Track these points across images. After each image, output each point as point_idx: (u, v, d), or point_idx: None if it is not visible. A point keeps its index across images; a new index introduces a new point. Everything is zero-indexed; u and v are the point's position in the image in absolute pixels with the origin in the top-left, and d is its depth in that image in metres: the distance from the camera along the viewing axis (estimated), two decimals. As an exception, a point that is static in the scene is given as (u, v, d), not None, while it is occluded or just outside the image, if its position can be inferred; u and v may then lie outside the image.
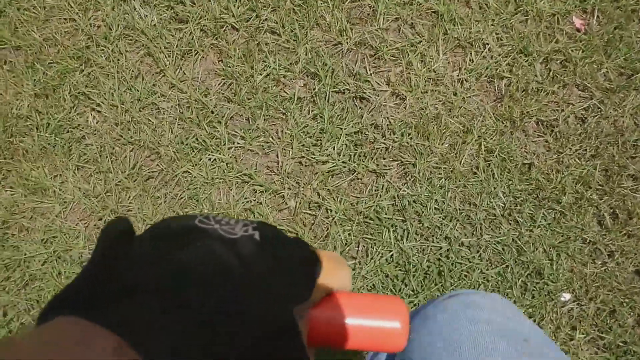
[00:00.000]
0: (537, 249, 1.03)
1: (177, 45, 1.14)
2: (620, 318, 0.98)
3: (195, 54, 1.14)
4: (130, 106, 1.10)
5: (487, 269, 0.99)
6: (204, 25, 1.14)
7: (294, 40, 1.12)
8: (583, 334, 0.99)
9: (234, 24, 1.14)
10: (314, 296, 0.33)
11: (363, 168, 1.04)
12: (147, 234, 0.28)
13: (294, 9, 1.12)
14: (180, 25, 1.15)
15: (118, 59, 1.13)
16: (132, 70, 1.12)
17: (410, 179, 1.05)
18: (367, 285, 0.98)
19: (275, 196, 1.05)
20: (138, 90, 1.10)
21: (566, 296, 1.00)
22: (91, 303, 0.21)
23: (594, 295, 1.00)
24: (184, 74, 1.14)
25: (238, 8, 1.14)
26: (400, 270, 0.98)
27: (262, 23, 1.13)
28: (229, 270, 0.26)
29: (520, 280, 0.99)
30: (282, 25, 1.12)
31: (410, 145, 1.06)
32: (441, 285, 0.97)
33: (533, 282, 0.99)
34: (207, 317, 0.23)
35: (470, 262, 0.99)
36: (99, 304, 0.21)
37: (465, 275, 0.98)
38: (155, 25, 1.16)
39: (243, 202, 1.04)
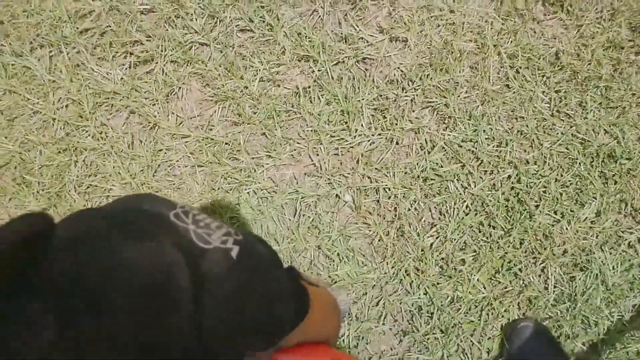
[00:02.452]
0: (598, 133, 0.98)
1: (156, 90, 1.04)
2: None
3: (179, 89, 1.04)
4: (143, 176, 1.02)
5: (562, 176, 0.96)
6: (171, 56, 1.03)
7: (269, 30, 1.01)
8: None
9: (200, 40, 1.03)
10: (287, 340, 0.28)
11: (399, 131, 0.98)
12: (111, 211, 0.24)
13: None
14: (148, 66, 1.04)
15: (105, 133, 1.03)
16: (125, 138, 1.03)
17: (449, 121, 0.98)
18: (458, 246, 0.94)
19: (329, 199, 0.99)
20: (142, 156, 1.02)
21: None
22: None
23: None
24: (178, 116, 1.04)
25: (197, 21, 1.02)
26: (481, 215, 0.94)
27: (228, 26, 1.02)
28: (166, 290, 0.21)
29: (597, 171, 0.96)
30: (249, 20, 1.01)
31: (434, 86, 0.99)
32: (527, 213, 0.93)
33: (609, 167, 0.96)
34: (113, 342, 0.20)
35: (542, 177, 0.95)
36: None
37: (544, 191, 0.95)
38: (122, 79, 1.05)
39: (304, 221, 0.98)
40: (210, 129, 1.03)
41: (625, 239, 0.92)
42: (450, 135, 0.97)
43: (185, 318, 0.22)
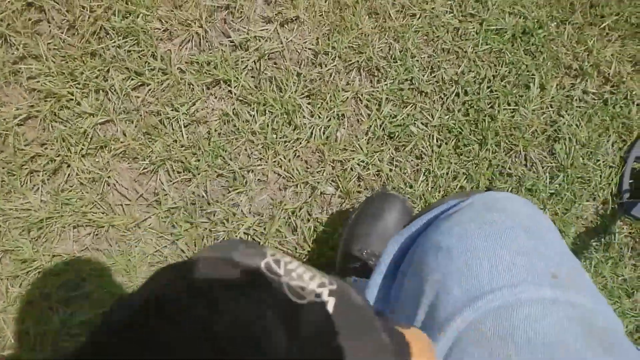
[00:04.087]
0: (505, 17, 1.02)
1: (86, 193, 0.93)
2: None
3: (108, 178, 0.94)
4: (131, 282, 0.92)
5: (497, 71, 0.99)
6: (81, 151, 0.93)
7: (163, 75, 0.93)
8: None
9: (100, 120, 0.93)
10: None
11: (341, 105, 0.96)
12: (198, 266, 0.23)
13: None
14: (62, 175, 0.93)
15: (60, 262, 0.91)
16: (112, 267, 0.92)
17: (379, 73, 0.98)
18: (450, 178, 0.96)
19: (316, 201, 0.96)
20: (118, 264, 0.91)
21: None
22: None
23: None
24: (124, 205, 0.94)
25: (84, 103, 0.92)
26: (452, 141, 0.96)
27: (120, 92, 0.93)
28: (272, 351, 0.21)
29: (521, 51, 1.00)
30: (137, 74, 0.93)
31: (347, 47, 0.98)
32: (488, 117, 0.96)
33: (530, 43, 1.00)
34: None
35: (482, 79, 0.98)
36: None
37: (491, 91, 0.98)
38: (43, 201, 0.92)
39: (306, 231, 0.94)
40: (166, 199, 0.94)
41: (574, 96, 0.99)
42: (386, 84, 0.97)
43: None
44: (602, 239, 0.97)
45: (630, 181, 0.96)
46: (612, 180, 0.97)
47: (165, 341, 0.21)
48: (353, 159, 0.95)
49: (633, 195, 0.96)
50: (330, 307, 0.23)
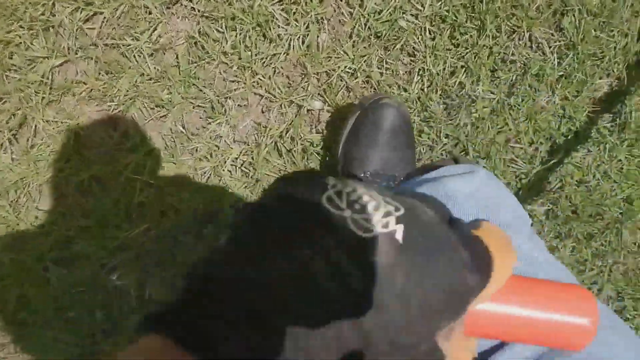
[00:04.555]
0: None
1: (53, 144, 0.86)
2: None
3: (77, 125, 0.87)
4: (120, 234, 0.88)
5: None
6: (42, 100, 0.85)
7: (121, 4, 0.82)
8: None
9: (58, 62, 0.84)
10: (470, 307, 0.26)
11: (318, 6, 0.85)
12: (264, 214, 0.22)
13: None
14: (27, 128, 0.86)
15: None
16: (101, 220, 0.87)
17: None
18: (447, 74, 0.86)
19: (304, 119, 0.88)
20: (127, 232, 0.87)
21: None
22: (182, 326, 0.19)
23: None
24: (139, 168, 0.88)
25: (35, 44, 0.83)
26: (448, 31, 0.85)
27: (71, 26, 0.83)
28: (340, 302, 0.20)
29: None
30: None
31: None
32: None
33: None
34: None
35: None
36: (189, 328, 0.19)
37: None
38: (14, 159, 0.86)
39: (297, 154, 0.87)
40: (143, 140, 0.87)
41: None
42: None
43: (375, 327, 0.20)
44: (617, 119, 0.89)
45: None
46: (630, 50, 0.87)
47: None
48: (339, 67, 0.86)
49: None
50: (399, 236, 0.22)
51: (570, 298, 0.31)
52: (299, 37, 0.85)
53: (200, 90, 0.86)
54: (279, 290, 0.20)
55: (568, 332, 0.31)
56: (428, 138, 0.89)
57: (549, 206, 0.92)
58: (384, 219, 0.22)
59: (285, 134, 0.88)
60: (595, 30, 0.86)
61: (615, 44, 0.87)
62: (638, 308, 0.95)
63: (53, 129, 0.86)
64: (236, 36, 0.85)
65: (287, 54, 0.86)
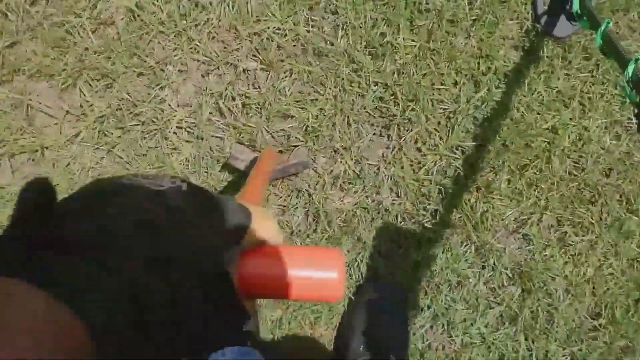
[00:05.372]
0: None
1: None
2: None
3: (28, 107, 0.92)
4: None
5: None
6: None
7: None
8: None
9: None
10: (244, 245, 0.36)
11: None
12: (77, 193, 0.29)
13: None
14: None
15: None
16: (57, 189, 0.91)
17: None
18: (369, 26, 0.93)
19: (241, 79, 0.94)
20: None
21: None
22: (19, 261, 0.20)
23: None
24: (91, 135, 0.93)
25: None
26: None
27: None
28: (152, 220, 0.27)
29: None
30: None
31: None
32: None
33: None
34: (136, 274, 0.24)
35: None
36: (28, 263, 0.20)
37: None
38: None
39: (236, 113, 0.93)
40: (92, 110, 0.93)
41: None
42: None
43: (181, 237, 0.29)
44: (532, 55, 0.96)
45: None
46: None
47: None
48: (269, 28, 0.93)
49: (550, 14, 0.94)
50: (184, 187, 0.31)
51: (321, 257, 0.39)
52: (229, 2, 0.93)
53: (142, 59, 0.93)
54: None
55: (321, 285, 0.38)
56: (359, 87, 0.95)
57: (480, 142, 0.97)
58: (172, 180, 0.31)
59: (225, 92, 0.94)
60: (499, -24, 0.94)
61: (520, -13, 0.95)
62: (579, 233, 0.98)
63: (6, 105, 0.92)
64: (171, 7, 0.92)
65: (220, 20, 0.93)
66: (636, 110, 0.61)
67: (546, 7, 0.94)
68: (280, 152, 0.96)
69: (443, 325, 1.00)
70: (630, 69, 0.62)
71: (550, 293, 1.00)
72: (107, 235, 0.25)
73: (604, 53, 0.73)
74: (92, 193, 0.29)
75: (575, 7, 0.85)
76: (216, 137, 0.95)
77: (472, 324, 1.00)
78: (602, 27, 0.71)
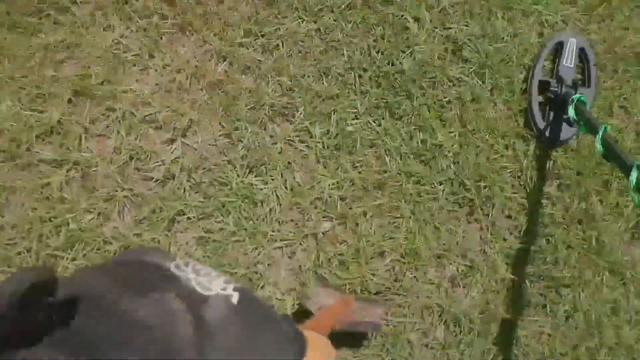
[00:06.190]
0: None
1: None
2: None
3: None
4: None
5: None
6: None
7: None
8: None
9: None
10: None
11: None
12: (114, 266, 0.27)
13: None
14: None
15: None
16: None
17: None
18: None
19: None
20: None
21: None
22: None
23: None
24: None
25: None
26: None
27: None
28: (170, 341, 0.24)
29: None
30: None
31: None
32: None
33: None
34: None
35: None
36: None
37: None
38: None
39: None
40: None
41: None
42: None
43: None
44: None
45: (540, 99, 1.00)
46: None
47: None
48: (325, 188, 0.97)
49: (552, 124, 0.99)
50: (234, 300, 0.27)
51: None
52: (280, 186, 0.97)
53: (232, 272, 0.95)
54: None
55: None
56: (428, 193, 0.98)
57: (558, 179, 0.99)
58: (223, 284, 0.28)
59: (318, 262, 0.96)
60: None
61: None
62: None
63: None
64: (233, 215, 0.96)
65: (280, 204, 0.97)
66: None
67: (545, 122, 1.01)
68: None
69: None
70: (634, 176, 0.58)
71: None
72: (123, 342, 0.23)
73: (607, 159, 0.70)
74: (129, 275, 0.26)
75: (571, 113, 0.88)
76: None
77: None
78: (600, 133, 0.70)
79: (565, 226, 1.00)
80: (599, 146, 0.70)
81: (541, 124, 1.01)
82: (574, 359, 1.01)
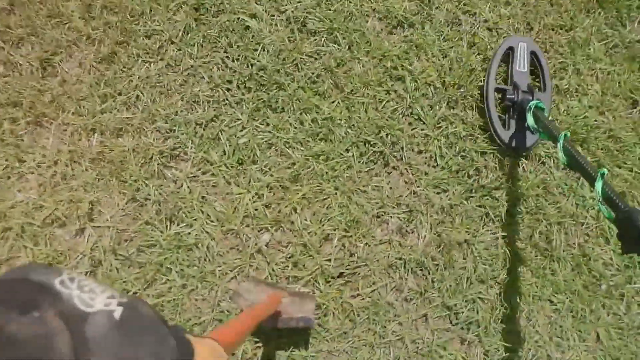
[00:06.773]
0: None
1: None
2: None
3: None
4: None
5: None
6: None
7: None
8: None
9: None
10: None
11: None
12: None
13: None
14: None
15: None
16: None
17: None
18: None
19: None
20: None
21: None
22: None
23: None
24: None
25: None
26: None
27: None
28: (55, 356, 0.26)
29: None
30: None
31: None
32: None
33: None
34: None
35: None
36: None
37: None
38: None
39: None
40: None
41: None
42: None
43: None
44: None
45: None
46: None
47: None
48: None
49: (515, 134, 0.98)
50: (117, 315, 0.28)
51: None
52: (205, 222, 0.97)
53: (198, 323, 0.94)
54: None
55: None
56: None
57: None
58: (107, 300, 0.29)
59: (274, 272, 0.96)
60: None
61: None
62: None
63: None
64: (176, 270, 0.95)
65: (214, 238, 0.97)
66: (616, 230, 0.54)
67: (508, 130, 1.02)
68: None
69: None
70: (599, 185, 0.57)
71: None
72: None
73: (571, 168, 0.68)
74: (12, 292, 0.27)
75: (530, 122, 0.87)
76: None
77: None
78: (561, 142, 0.67)
79: (471, 136, 1.05)
80: (561, 155, 0.69)
81: (504, 135, 1.01)
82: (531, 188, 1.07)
